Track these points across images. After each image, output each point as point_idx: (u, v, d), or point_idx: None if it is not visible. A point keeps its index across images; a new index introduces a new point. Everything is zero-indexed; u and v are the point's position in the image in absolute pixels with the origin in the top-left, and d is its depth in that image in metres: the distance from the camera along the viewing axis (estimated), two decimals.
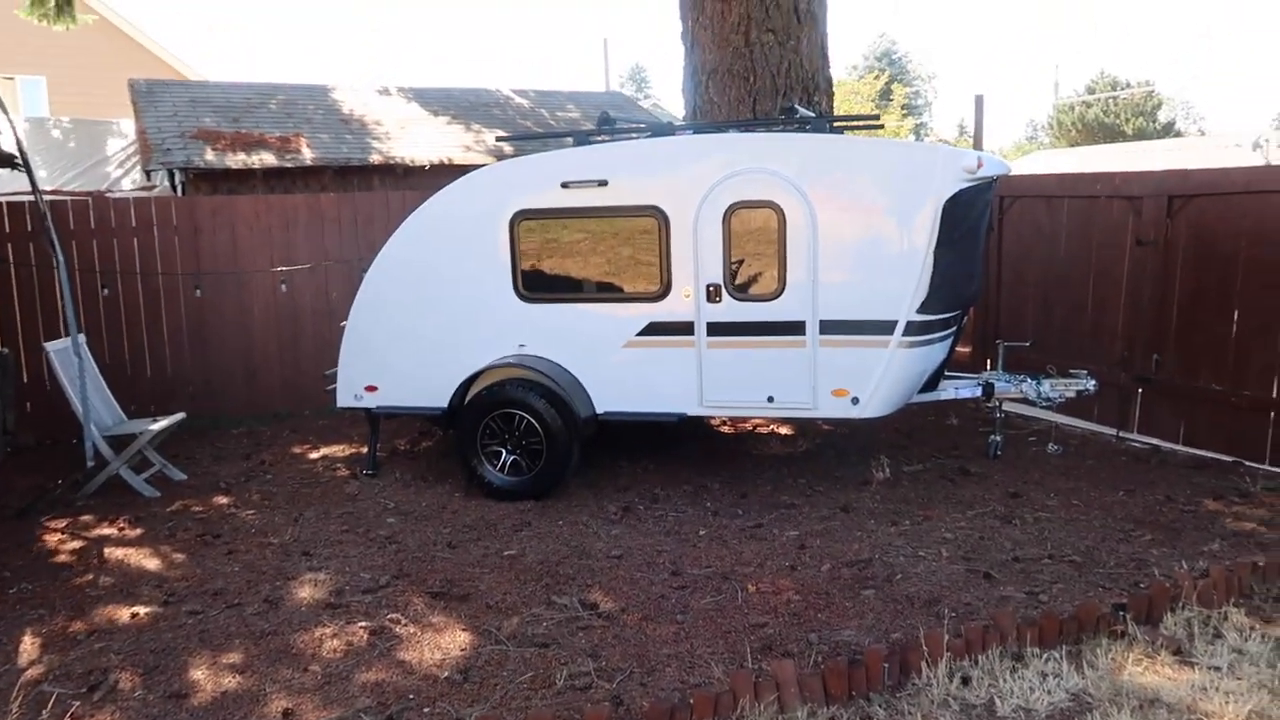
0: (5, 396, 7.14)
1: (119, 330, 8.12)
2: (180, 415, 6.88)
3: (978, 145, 10.68)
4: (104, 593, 4.79)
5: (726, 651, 3.95)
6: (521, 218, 6.06)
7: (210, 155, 10.22)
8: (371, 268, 6.43)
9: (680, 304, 5.86)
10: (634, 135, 6.53)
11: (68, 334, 6.49)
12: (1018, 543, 5.04)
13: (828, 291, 5.63)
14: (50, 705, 3.68)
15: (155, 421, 6.62)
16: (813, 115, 6.50)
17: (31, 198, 6.90)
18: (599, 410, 6.05)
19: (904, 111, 38.98)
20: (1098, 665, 3.63)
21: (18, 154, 6.45)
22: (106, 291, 8.05)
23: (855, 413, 5.72)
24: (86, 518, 5.94)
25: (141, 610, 4.55)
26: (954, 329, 6.23)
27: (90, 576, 5.01)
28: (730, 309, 5.79)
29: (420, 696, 3.69)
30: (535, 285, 6.11)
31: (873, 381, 5.63)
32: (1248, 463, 6.21)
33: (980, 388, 6.49)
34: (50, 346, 6.46)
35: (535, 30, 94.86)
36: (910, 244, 5.54)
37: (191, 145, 10.36)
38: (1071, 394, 6.45)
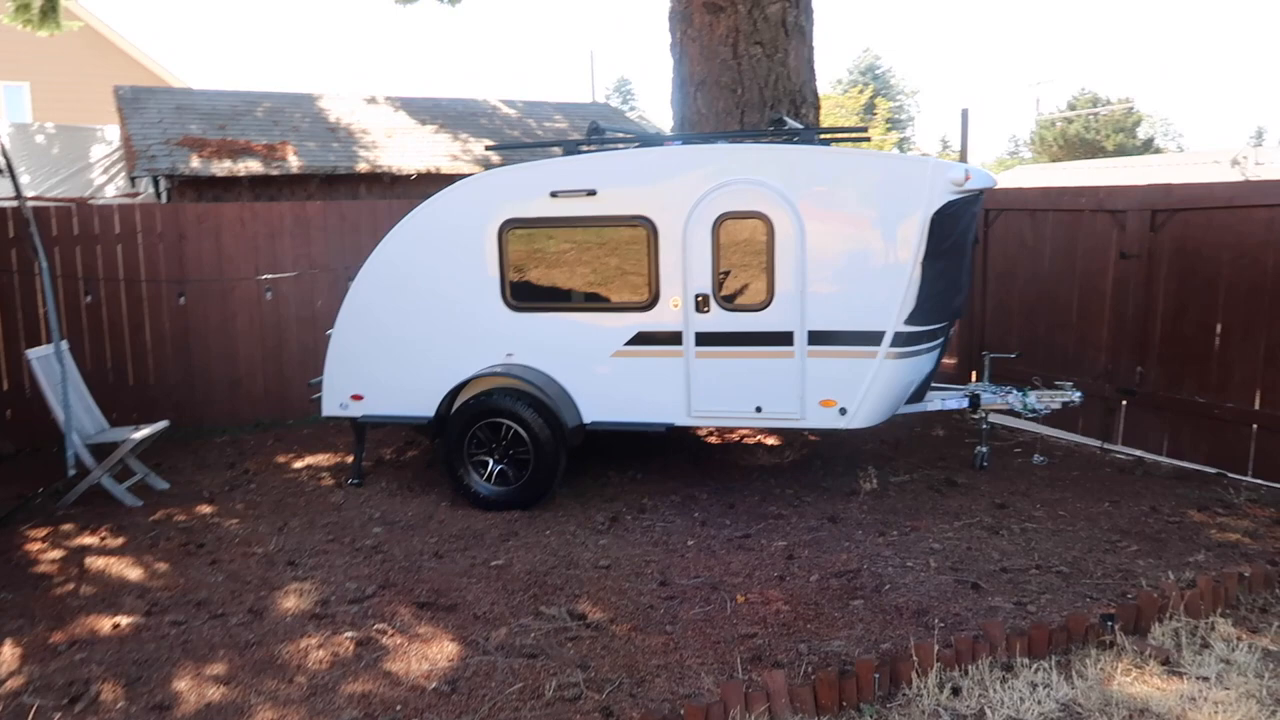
0: None
1: (101, 337, 8.04)
2: (163, 423, 6.81)
3: (963, 158, 10.77)
4: (85, 603, 4.72)
5: (716, 662, 3.94)
6: (510, 226, 6.05)
7: (196, 162, 10.16)
8: (358, 276, 6.40)
9: (669, 314, 5.86)
10: (623, 145, 6.54)
11: (50, 341, 6.42)
12: (1005, 553, 5.06)
13: (816, 302, 5.65)
14: (30, 717, 3.62)
15: (138, 430, 6.56)
16: (801, 127, 6.53)
17: (14, 204, 6.83)
18: (587, 420, 6.04)
19: (888, 126, 39.31)
20: (1087, 675, 3.64)
21: (1, 159, 6.39)
22: (89, 298, 7.97)
23: (843, 423, 5.73)
24: (67, 527, 5.86)
25: (124, 620, 4.49)
26: (941, 340, 6.26)
27: (71, 586, 4.94)
28: (718, 319, 5.79)
29: (407, 708, 3.66)
30: (523, 294, 6.10)
31: (860, 392, 5.65)
32: (1231, 474, 6.27)
33: (967, 399, 6.52)
34: (32, 353, 6.38)
35: (521, 43, 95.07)
36: (898, 255, 5.57)
37: (177, 152, 10.30)
38: (1057, 405, 6.49)
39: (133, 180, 10.67)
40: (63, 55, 16.96)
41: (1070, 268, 7.45)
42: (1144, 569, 4.77)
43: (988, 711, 3.43)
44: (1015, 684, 3.59)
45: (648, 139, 6.72)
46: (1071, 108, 42.50)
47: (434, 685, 3.82)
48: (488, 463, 6.04)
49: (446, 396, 6.11)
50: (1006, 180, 16.38)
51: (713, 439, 7.65)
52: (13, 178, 6.34)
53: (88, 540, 5.64)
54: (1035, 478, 6.43)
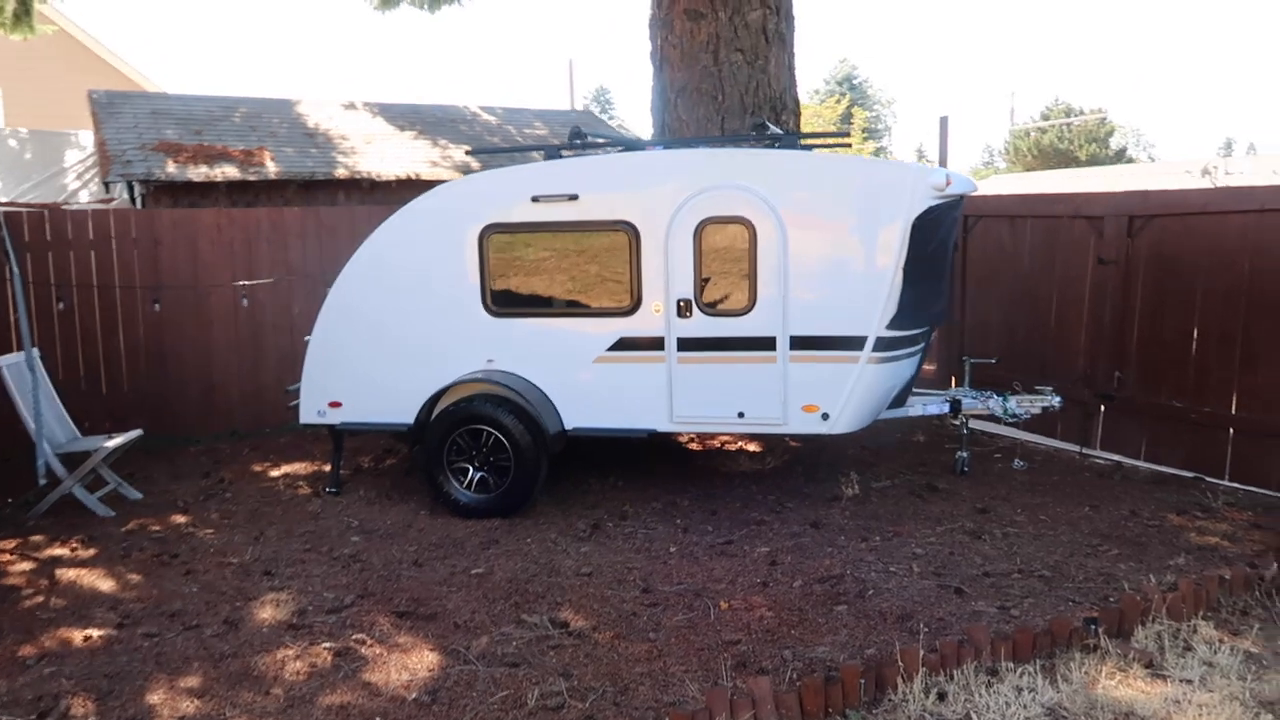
0: None
1: (74, 345, 7.90)
2: (137, 432, 6.70)
3: (943, 166, 10.83)
4: (55, 615, 4.62)
5: (700, 669, 3.90)
6: (491, 231, 6.01)
7: (171, 167, 10.05)
8: (337, 281, 6.33)
9: (651, 319, 5.83)
10: (604, 150, 6.52)
11: (21, 348, 6.30)
12: (987, 558, 5.06)
13: (798, 307, 5.64)
14: None
15: (110, 439, 6.44)
16: (782, 132, 6.53)
17: None
18: (568, 426, 5.99)
19: (864, 135, 39.59)
20: (1072, 679, 3.63)
21: None
22: (62, 305, 7.83)
23: (825, 428, 5.72)
24: (37, 538, 5.74)
25: (95, 633, 4.39)
26: (923, 345, 6.27)
27: (41, 598, 4.83)
28: (701, 324, 5.77)
29: (387, 719, 3.59)
30: (504, 300, 6.06)
31: (843, 397, 5.64)
32: (1208, 478, 6.31)
33: (948, 404, 6.53)
34: (2, 361, 6.25)
35: (501, 52, 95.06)
36: (880, 260, 5.58)
37: (152, 157, 10.18)
38: (1037, 410, 6.52)
39: (107, 186, 10.53)
40: (36, 59, 16.74)
41: (1049, 273, 7.49)
42: (1125, 572, 4.79)
43: (974, 716, 3.41)
44: (1000, 688, 3.57)
45: (630, 144, 6.70)
46: (1045, 118, 43.00)
47: (414, 696, 3.75)
48: (468, 470, 5.98)
49: (426, 403, 6.05)
50: (982, 189, 16.53)
51: (694, 445, 7.63)
52: None
53: (58, 551, 5.53)
54: (1015, 482, 6.45)
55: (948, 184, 5.55)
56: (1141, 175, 17.09)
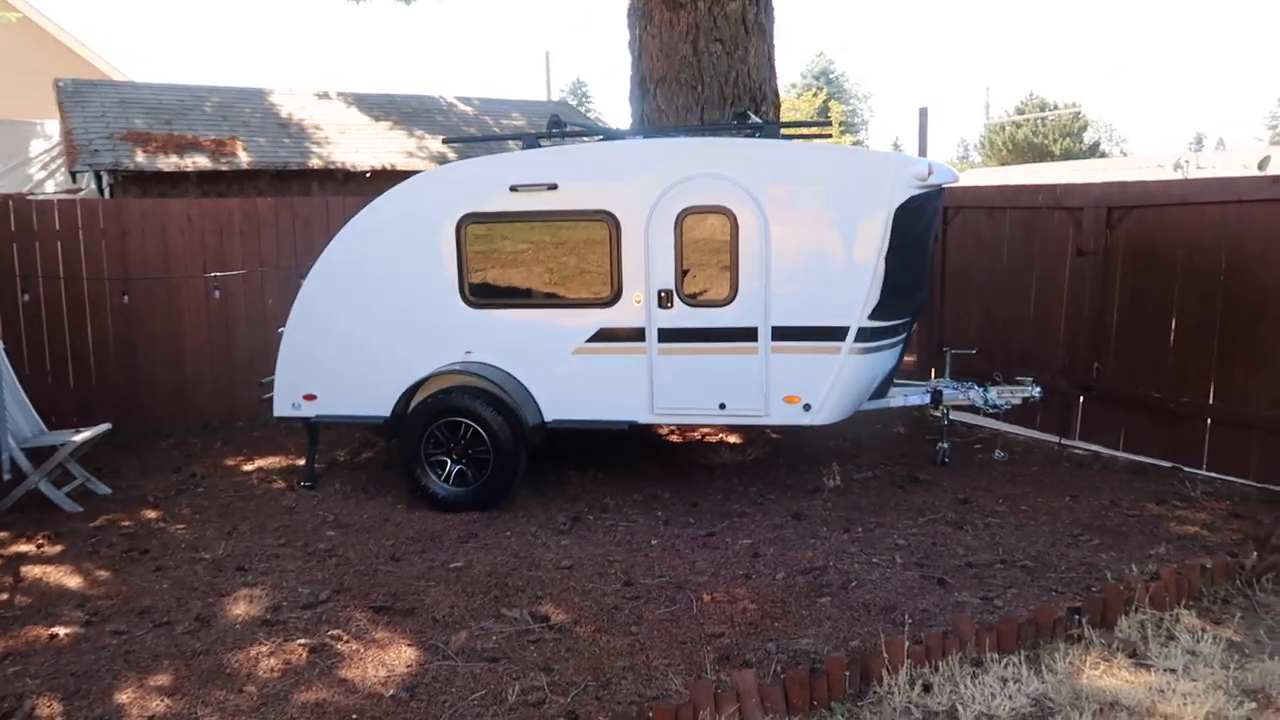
0: None
1: (40, 337, 7.72)
2: (105, 426, 6.56)
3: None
4: (20, 613, 4.49)
5: (684, 662, 3.85)
6: (468, 221, 5.92)
7: (141, 157, 9.84)
8: (311, 272, 6.21)
9: (631, 310, 5.77)
10: (584, 139, 6.44)
11: None
12: (970, 548, 5.04)
13: (780, 297, 5.59)
14: None
15: (78, 433, 6.30)
16: (763, 122, 6.48)
17: None
18: (547, 418, 5.92)
19: (842, 129, 39.66)
20: (1056, 669, 3.61)
21: None
22: (27, 297, 7.66)
23: (807, 419, 5.68)
24: (2, 535, 5.59)
25: (61, 631, 4.27)
26: (904, 336, 6.25)
27: (5, 596, 4.69)
28: (682, 315, 5.71)
29: (364, 716, 3.51)
30: (482, 290, 5.97)
31: (825, 388, 5.60)
32: (1186, 468, 6.33)
33: (929, 395, 6.52)
34: None
35: (476, 44, 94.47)
36: (862, 250, 5.54)
37: (121, 147, 9.96)
38: (1018, 401, 6.53)
39: (74, 175, 10.30)
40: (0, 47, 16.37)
41: (1028, 265, 7.50)
42: (1107, 562, 4.79)
43: (960, 708, 3.38)
44: (986, 679, 3.55)
45: (609, 133, 6.63)
46: (1020, 112, 43.28)
47: (391, 692, 3.67)
48: (446, 463, 5.90)
49: (403, 395, 5.96)
50: (960, 182, 16.57)
51: (674, 437, 7.58)
52: None
53: (24, 548, 5.39)
54: (996, 473, 6.45)
55: (930, 173, 5.52)
56: (1114, 170, 17.19)
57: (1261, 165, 14.29)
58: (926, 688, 3.51)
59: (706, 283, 5.71)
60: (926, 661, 3.64)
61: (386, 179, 9.60)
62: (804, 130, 6.70)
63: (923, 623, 4.11)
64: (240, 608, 4.50)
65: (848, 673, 3.51)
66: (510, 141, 8.07)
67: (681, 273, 5.70)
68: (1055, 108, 42.54)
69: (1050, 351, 7.31)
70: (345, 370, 6.11)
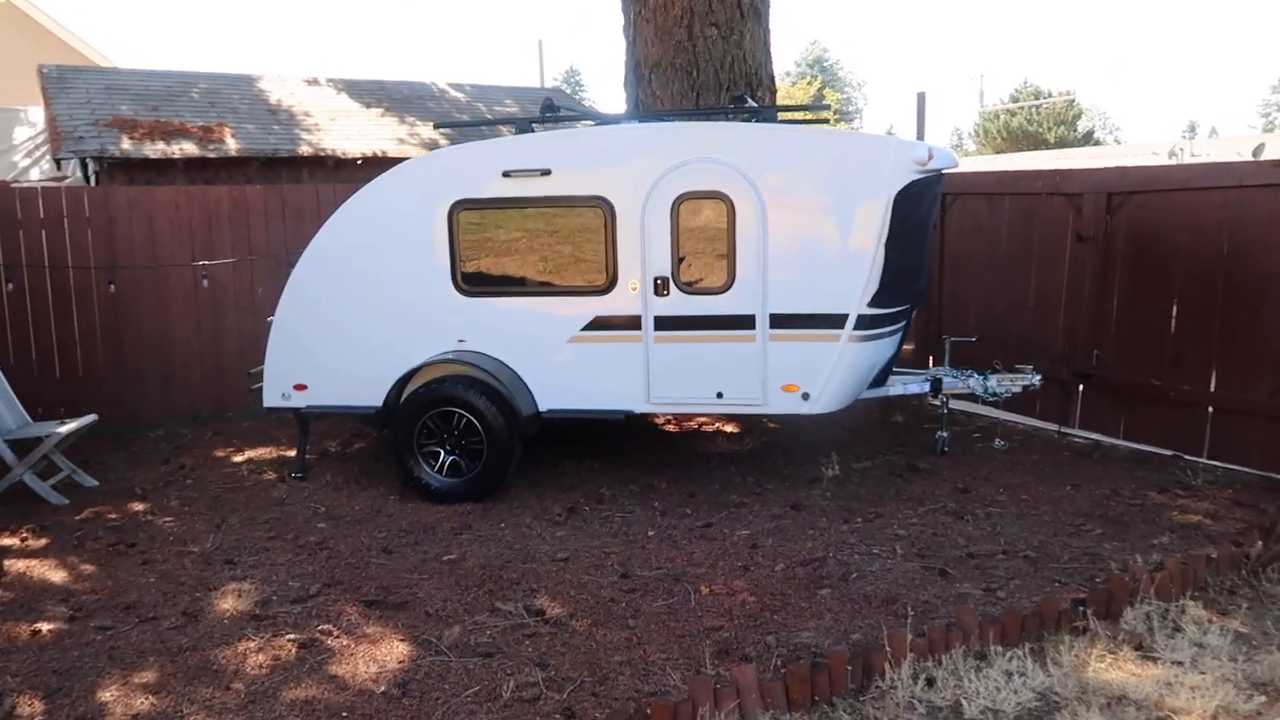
0: None
1: (25, 328, 7.60)
2: (92, 417, 6.45)
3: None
4: (2, 609, 4.39)
5: (682, 657, 3.77)
6: (461, 208, 5.81)
7: (127, 144, 9.69)
8: (301, 260, 6.10)
9: (627, 298, 5.67)
10: (578, 124, 6.32)
11: None
12: (971, 539, 4.97)
13: (778, 285, 5.50)
14: None
15: (64, 424, 6.20)
16: (759, 106, 6.38)
17: None
18: (542, 408, 5.83)
19: (836, 117, 39.56)
20: (1062, 662, 3.54)
21: None
22: (11, 287, 7.53)
23: (806, 408, 5.60)
24: None
25: (44, 627, 4.17)
26: (903, 323, 6.17)
27: None
28: (678, 303, 5.62)
29: (354, 714, 3.43)
30: (475, 278, 5.86)
31: (823, 376, 5.52)
32: (1187, 456, 6.27)
33: (928, 383, 6.45)
34: None
35: (469, 32, 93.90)
36: (861, 236, 5.45)
37: (106, 133, 9.81)
38: (1018, 389, 6.46)
39: (58, 163, 10.15)
40: None
41: (1027, 251, 7.41)
42: (1110, 552, 4.72)
43: (964, 703, 3.31)
44: (990, 673, 3.47)
45: (604, 118, 6.51)
46: (1014, 100, 43.21)
47: (383, 689, 3.59)
48: (439, 453, 5.81)
49: (395, 385, 5.86)
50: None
51: (671, 427, 7.49)
52: None
53: (7, 541, 5.29)
54: (996, 462, 6.38)
55: (930, 158, 5.43)
56: (1109, 157, 17.13)
57: (1256, 153, 14.26)
58: (930, 682, 3.44)
59: (703, 270, 5.62)
60: (929, 655, 3.56)
61: (377, 166, 9.47)
62: (801, 115, 6.57)
63: (925, 615, 4.04)
64: (228, 602, 4.41)
65: (850, 667, 3.43)
66: (503, 127, 7.95)
67: (678, 260, 5.60)
68: (1050, 96, 42.47)
69: (1050, 339, 7.24)
70: (336, 360, 6.01)
